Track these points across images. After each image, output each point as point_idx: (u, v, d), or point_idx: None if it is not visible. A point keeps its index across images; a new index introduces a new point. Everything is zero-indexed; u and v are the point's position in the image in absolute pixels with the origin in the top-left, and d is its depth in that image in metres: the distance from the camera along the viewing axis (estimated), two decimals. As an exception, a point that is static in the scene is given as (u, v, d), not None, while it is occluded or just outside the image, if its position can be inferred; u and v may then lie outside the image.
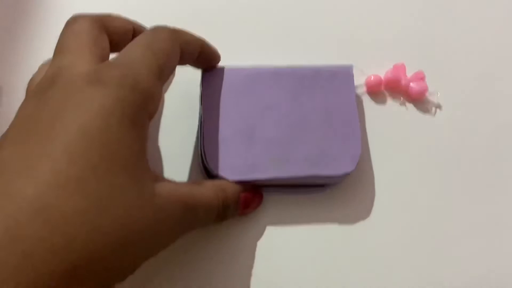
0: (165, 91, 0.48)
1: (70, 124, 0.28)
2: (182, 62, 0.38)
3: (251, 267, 0.42)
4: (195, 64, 0.42)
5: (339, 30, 0.52)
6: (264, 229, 0.43)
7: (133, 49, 0.33)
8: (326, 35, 0.52)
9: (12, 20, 0.51)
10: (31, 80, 0.36)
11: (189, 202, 0.32)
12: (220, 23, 0.51)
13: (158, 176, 0.32)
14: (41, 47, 0.50)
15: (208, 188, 0.36)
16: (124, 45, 0.34)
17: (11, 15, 0.51)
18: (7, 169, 0.27)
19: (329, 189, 0.45)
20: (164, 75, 0.34)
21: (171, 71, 0.36)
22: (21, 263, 0.23)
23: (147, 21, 0.38)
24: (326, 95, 0.45)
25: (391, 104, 0.49)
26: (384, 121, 0.48)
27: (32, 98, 0.31)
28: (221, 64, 0.44)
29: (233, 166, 0.41)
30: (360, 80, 0.49)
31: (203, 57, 0.41)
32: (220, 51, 0.43)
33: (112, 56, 0.35)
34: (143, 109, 0.31)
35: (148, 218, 0.28)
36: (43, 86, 0.31)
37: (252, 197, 0.42)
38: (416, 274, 0.42)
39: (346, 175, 0.42)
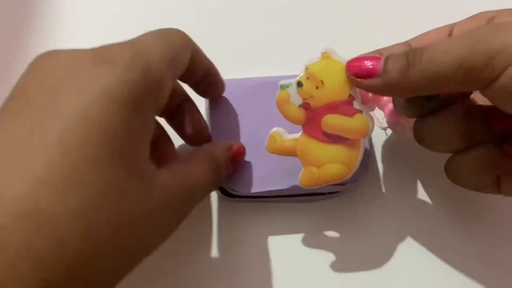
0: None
1: (67, 107, 0.24)
2: (187, 76, 0.35)
3: (258, 276, 0.39)
4: (199, 87, 0.39)
5: (337, 39, 0.51)
6: (274, 238, 0.41)
7: (145, 35, 0.30)
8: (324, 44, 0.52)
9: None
10: None
11: (188, 186, 0.30)
12: (220, 36, 0.50)
13: (154, 167, 0.28)
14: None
15: (202, 163, 0.33)
16: None
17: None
18: None
19: (341, 196, 0.43)
20: (175, 69, 0.31)
21: (181, 71, 0.32)
22: (4, 276, 0.21)
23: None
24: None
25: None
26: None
27: (32, 71, 0.27)
28: (224, 76, 0.43)
29: (246, 180, 0.39)
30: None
31: (208, 81, 0.38)
32: (221, 63, 0.41)
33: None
34: (152, 97, 0.27)
35: (147, 214, 0.26)
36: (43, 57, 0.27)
37: (238, 151, 0.38)
38: (424, 281, 0.40)
39: (358, 182, 0.41)
